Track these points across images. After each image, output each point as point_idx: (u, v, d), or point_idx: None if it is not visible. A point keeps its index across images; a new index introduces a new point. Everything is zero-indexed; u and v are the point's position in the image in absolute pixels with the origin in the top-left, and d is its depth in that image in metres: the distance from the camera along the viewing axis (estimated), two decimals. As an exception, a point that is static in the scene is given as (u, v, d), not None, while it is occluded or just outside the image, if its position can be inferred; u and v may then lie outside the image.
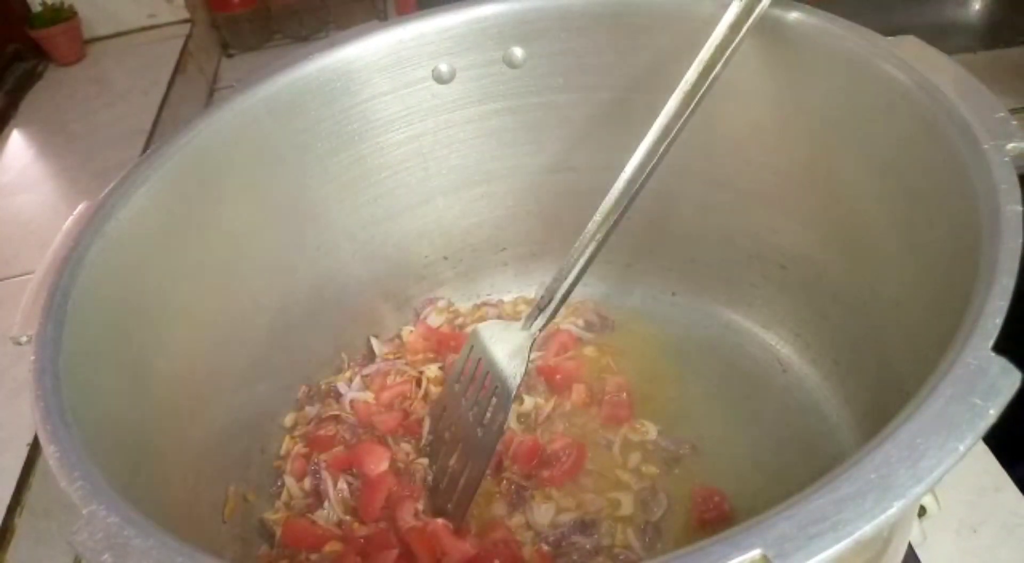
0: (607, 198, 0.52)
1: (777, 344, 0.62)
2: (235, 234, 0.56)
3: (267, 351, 0.59)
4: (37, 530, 0.61)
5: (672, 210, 0.62)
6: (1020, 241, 0.32)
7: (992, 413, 0.27)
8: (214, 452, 0.53)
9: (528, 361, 0.54)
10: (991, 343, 0.29)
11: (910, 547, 0.51)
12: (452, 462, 0.55)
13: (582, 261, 0.53)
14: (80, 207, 0.47)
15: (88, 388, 0.40)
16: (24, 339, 0.40)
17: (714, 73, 0.49)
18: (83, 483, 0.32)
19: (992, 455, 0.56)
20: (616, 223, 0.52)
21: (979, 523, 0.52)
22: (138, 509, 0.31)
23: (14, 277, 0.84)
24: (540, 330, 0.55)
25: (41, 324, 0.40)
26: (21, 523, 0.61)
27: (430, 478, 0.57)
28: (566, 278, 0.53)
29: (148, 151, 0.51)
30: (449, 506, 0.54)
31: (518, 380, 0.53)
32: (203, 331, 0.53)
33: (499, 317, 0.68)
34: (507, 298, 0.71)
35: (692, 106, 0.49)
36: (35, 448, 0.65)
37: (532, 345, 0.55)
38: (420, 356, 0.65)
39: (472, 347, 0.57)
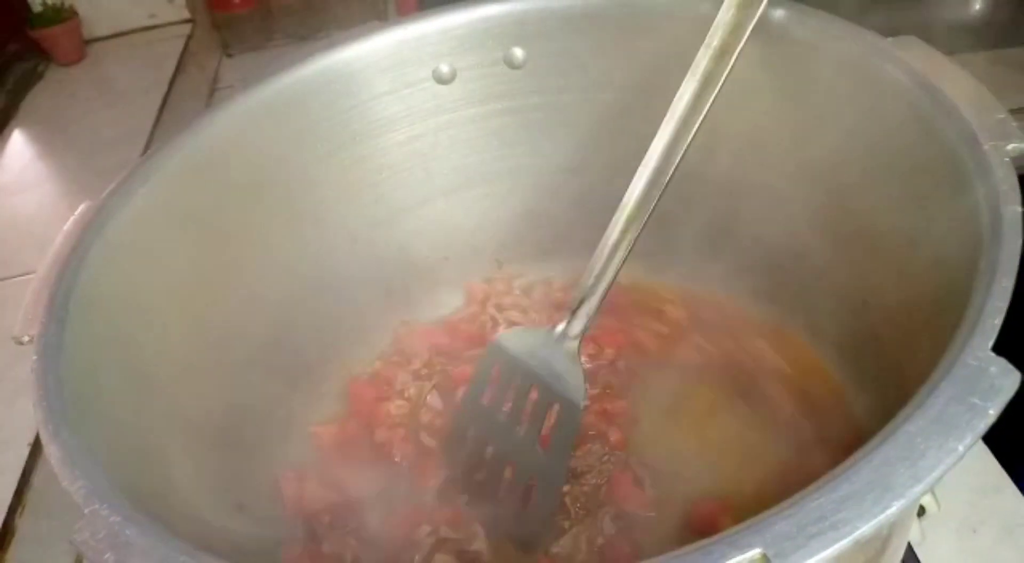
0: (628, 195, 0.50)
1: (777, 344, 0.62)
2: (236, 235, 0.56)
3: (267, 352, 0.59)
4: (39, 530, 0.61)
5: (672, 210, 0.62)
6: (1020, 242, 0.33)
7: (992, 413, 0.27)
8: (216, 450, 0.53)
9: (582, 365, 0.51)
10: (991, 343, 0.29)
11: (909, 547, 0.51)
12: (505, 478, 0.52)
13: (620, 253, 0.49)
14: (81, 207, 0.47)
15: (90, 388, 0.40)
16: (26, 339, 0.40)
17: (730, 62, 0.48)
18: (85, 482, 0.32)
19: (992, 455, 0.56)
20: (646, 221, 0.49)
21: (979, 523, 0.52)
22: (140, 508, 0.31)
23: (15, 277, 0.84)
24: (582, 334, 0.51)
25: (43, 324, 0.40)
26: (22, 523, 0.61)
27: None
28: (603, 273, 0.49)
29: (149, 151, 0.52)
30: (523, 528, 0.50)
31: (584, 392, 0.49)
32: (204, 331, 0.53)
33: (502, 315, 0.68)
34: (508, 300, 0.71)
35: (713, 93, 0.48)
36: (36, 448, 0.65)
37: (579, 349, 0.51)
38: (424, 362, 0.65)
39: (496, 359, 0.53)
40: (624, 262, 0.50)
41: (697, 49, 0.49)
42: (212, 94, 1.22)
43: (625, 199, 0.50)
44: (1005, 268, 0.32)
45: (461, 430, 0.56)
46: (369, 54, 0.59)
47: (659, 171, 0.50)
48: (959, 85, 0.41)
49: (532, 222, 0.69)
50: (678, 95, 0.49)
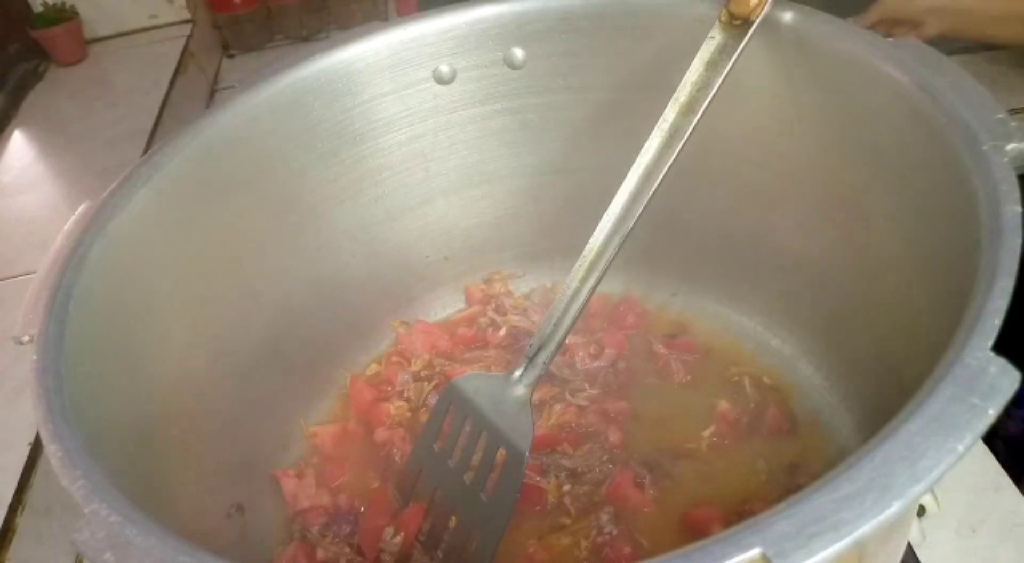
0: (591, 243, 0.50)
1: (777, 344, 0.62)
2: (236, 234, 0.56)
3: (267, 351, 0.59)
4: (39, 529, 0.61)
5: (671, 210, 0.62)
6: (1020, 242, 0.33)
7: (991, 413, 0.27)
8: (216, 450, 0.53)
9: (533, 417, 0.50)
10: (990, 343, 0.29)
11: (909, 546, 0.51)
12: (449, 527, 0.52)
13: (579, 300, 0.50)
14: (81, 207, 0.47)
15: (90, 387, 0.40)
16: (26, 339, 0.40)
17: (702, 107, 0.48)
18: (85, 482, 0.32)
19: (991, 455, 0.56)
20: (606, 269, 0.50)
21: (978, 523, 0.52)
22: (140, 508, 0.31)
23: (15, 277, 0.84)
24: (536, 382, 0.51)
25: (43, 324, 0.40)
26: (22, 522, 0.61)
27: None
28: (561, 321, 0.50)
29: (149, 151, 0.52)
30: None
31: (530, 440, 0.49)
32: (204, 331, 0.53)
33: (501, 318, 0.68)
34: (508, 302, 0.71)
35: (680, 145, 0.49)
36: (37, 447, 0.65)
37: (531, 398, 0.51)
38: (424, 363, 0.65)
39: (451, 403, 0.53)
40: (583, 309, 0.50)
41: (696, 49, 0.49)
42: (212, 94, 1.22)
43: (587, 248, 0.51)
44: (1005, 268, 0.32)
45: (414, 472, 0.56)
46: (369, 54, 0.59)
47: (621, 220, 0.50)
48: (958, 85, 0.41)
49: (532, 222, 0.69)
50: (644, 147, 0.50)
